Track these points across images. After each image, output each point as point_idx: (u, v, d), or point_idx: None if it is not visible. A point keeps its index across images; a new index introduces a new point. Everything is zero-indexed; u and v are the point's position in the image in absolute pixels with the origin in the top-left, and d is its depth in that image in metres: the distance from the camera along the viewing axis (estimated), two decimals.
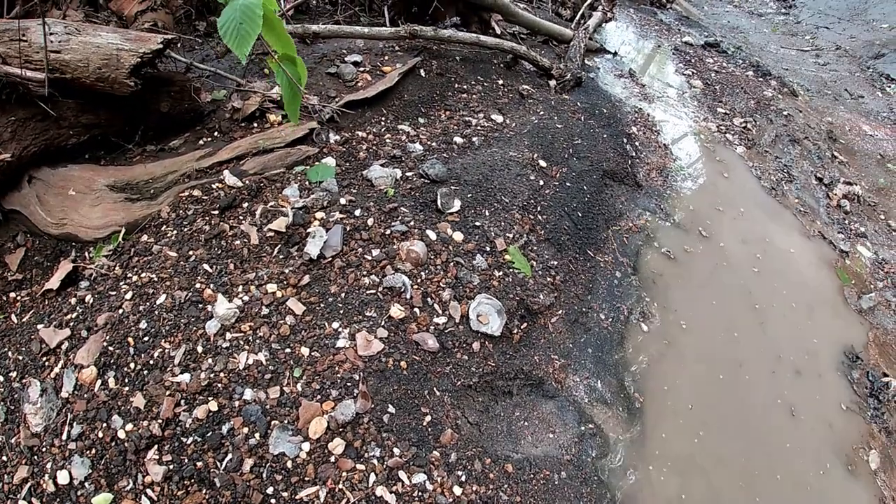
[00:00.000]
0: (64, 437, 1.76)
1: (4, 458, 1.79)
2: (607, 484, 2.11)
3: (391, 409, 1.86)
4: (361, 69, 2.50)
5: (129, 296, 1.93)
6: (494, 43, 2.69)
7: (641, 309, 2.64)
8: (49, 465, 1.74)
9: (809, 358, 2.73)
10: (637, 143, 3.25)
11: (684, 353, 2.54)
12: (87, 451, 1.73)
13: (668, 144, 3.48)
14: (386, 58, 2.58)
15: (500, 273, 2.19)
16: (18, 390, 1.84)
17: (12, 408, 1.83)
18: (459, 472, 1.85)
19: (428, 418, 1.90)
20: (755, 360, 2.61)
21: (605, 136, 3.01)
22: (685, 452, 2.27)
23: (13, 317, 2.06)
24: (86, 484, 1.71)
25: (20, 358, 1.89)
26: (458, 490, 1.81)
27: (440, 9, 2.76)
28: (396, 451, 1.80)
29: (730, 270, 2.97)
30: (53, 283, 2.03)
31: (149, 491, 1.69)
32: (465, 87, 2.61)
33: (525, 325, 2.22)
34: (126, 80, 2.10)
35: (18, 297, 2.11)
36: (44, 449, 1.77)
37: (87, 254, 2.13)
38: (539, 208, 2.50)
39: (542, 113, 2.86)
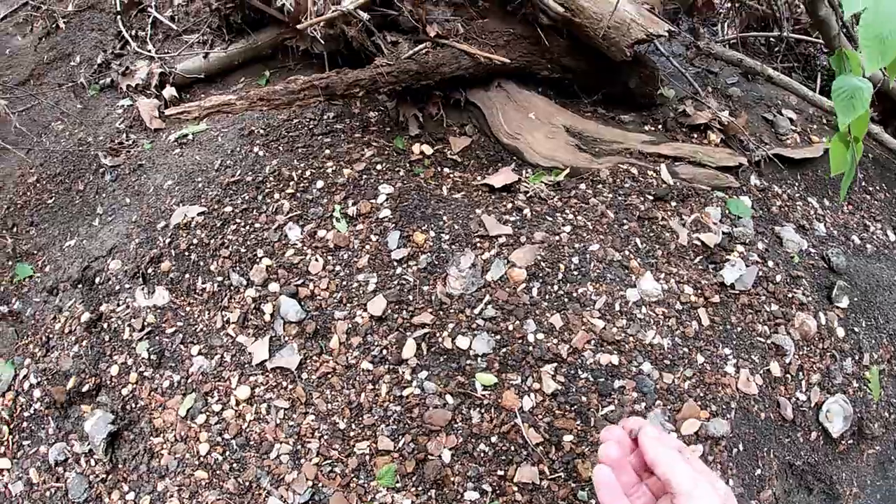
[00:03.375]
0: (475, 311, 2.08)
1: (411, 297, 2.13)
2: None
3: (741, 446, 2.06)
4: (793, 128, 2.74)
5: (567, 229, 2.24)
6: None
7: None
8: (451, 326, 2.07)
9: None
10: None
11: None
12: (493, 334, 2.04)
13: None
14: (814, 126, 2.81)
15: (856, 384, 2.34)
16: (446, 251, 2.19)
17: (434, 262, 2.18)
18: None
19: (758, 472, 2.09)
20: None
21: None
22: None
23: (444, 189, 2.43)
24: (479, 359, 2.02)
25: (455, 227, 2.24)
26: None
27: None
28: (731, 482, 2.00)
29: None
30: (496, 181, 2.38)
31: (533, 394, 1.97)
32: (869, 188, 2.80)
33: (851, 441, 2.36)
34: (625, 49, 2.43)
35: (451, 175, 2.48)
36: (451, 310, 2.10)
37: (524, 172, 2.47)
38: None
39: None
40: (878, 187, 2.77)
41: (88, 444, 2.17)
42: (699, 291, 2.22)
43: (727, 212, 2.46)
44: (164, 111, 2.85)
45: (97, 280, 2.50)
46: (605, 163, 2.48)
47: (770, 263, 2.36)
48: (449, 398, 1.99)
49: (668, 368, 2.07)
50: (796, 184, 2.66)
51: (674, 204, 2.43)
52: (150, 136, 2.86)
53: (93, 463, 2.15)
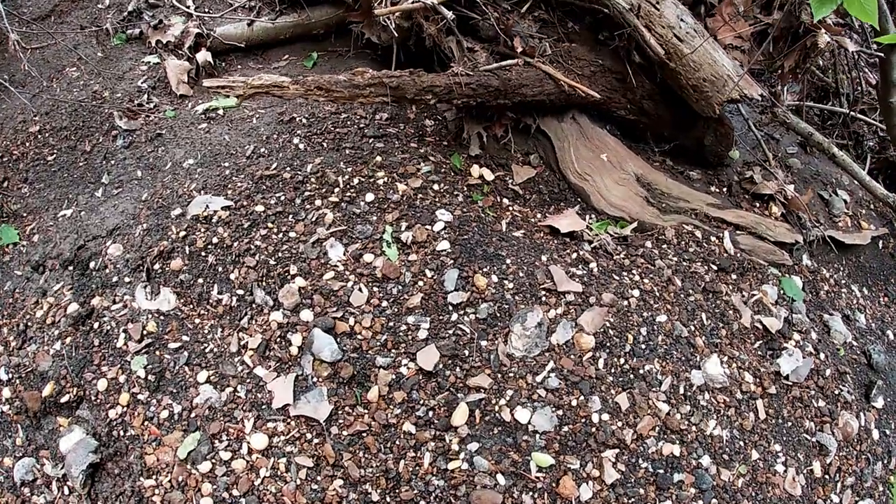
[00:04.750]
0: (538, 378, 1.62)
1: (467, 352, 1.64)
2: None
3: None
4: (846, 210, 2.38)
5: (635, 293, 1.79)
6: None
7: None
8: (510, 394, 1.60)
9: None
10: None
11: None
12: (555, 409, 1.59)
13: None
14: (863, 211, 2.46)
15: (881, 488, 2.04)
16: (510, 302, 1.70)
17: (496, 313, 1.68)
18: None
19: None
20: None
21: None
22: None
23: (503, 223, 1.92)
24: (538, 436, 1.57)
25: (520, 274, 1.75)
26: None
27: None
28: None
29: None
30: (562, 225, 1.89)
31: (591, 482, 1.54)
32: None
33: None
34: (715, 105, 1.98)
35: (511, 208, 1.98)
36: (511, 374, 1.62)
37: (587, 216, 1.99)
38: None
39: None
40: None
41: (63, 468, 1.60)
42: (758, 380, 1.83)
43: (782, 292, 2.07)
44: (194, 76, 2.19)
45: (92, 265, 1.88)
46: (671, 221, 2.04)
47: (822, 356, 2.00)
48: (500, 478, 1.52)
49: (725, 464, 1.68)
50: (841, 269, 2.30)
51: (734, 277, 2.01)
52: (174, 102, 2.21)
53: (66, 492, 1.58)
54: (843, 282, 2.28)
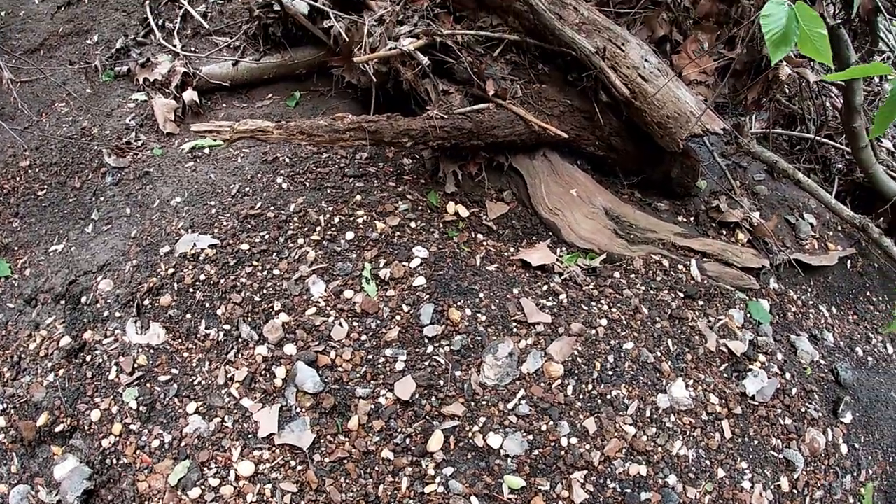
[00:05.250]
0: (509, 406, 1.77)
1: (442, 381, 1.79)
2: None
3: None
4: (812, 233, 2.55)
5: (603, 322, 1.95)
6: None
7: None
8: (482, 421, 1.75)
9: None
10: None
11: None
12: (526, 434, 1.74)
13: None
14: (830, 233, 2.63)
15: (852, 500, 2.19)
16: (482, 334, 1.85)
17: (469, 345, 1.84)
18: None
19: None
20: None
21: None
22: None
23: (477, 258, 2.08)
24: (509, 460, 1.71)
25: (492, 307, 1.91)
26: None
27: None
28: None
29: None
30: (533, 259, 2.05)
31: (561, 502, 1.68)
32: (873, 298, 2.65)
33: None
34: (679, 141, 2.15)
35: (485, 244, 2.14)
36: (483, 402, 1.77)
37: (558, 249, 2.15)
38: None
39: None
40: (880, 298, 2.62)
41: (57, 495, 1.73)
42: (723, 401, 1.99)
43: (749, 316, 2.23)
44: (180, 115, 2.36)
45: (83, 300, 2.03)
46: (639, 251, 2.20)
47: (787, 375, 2.15)
48: (474, 500, 1.67)
49: (691, 482, 1.83)
50: (809, 290, 2.47)
51: (701, 303, 2.18)
52: (161, 140, 2.37)
53: None
54: (811, 303, 2.45)
